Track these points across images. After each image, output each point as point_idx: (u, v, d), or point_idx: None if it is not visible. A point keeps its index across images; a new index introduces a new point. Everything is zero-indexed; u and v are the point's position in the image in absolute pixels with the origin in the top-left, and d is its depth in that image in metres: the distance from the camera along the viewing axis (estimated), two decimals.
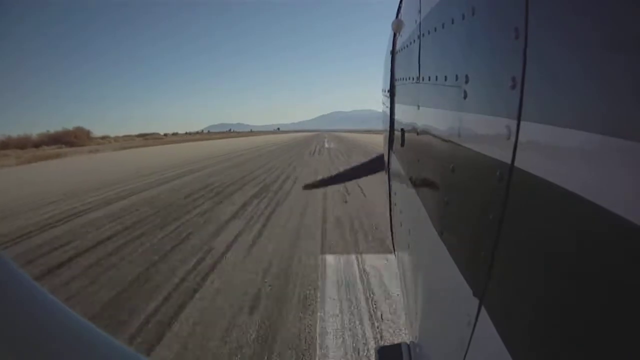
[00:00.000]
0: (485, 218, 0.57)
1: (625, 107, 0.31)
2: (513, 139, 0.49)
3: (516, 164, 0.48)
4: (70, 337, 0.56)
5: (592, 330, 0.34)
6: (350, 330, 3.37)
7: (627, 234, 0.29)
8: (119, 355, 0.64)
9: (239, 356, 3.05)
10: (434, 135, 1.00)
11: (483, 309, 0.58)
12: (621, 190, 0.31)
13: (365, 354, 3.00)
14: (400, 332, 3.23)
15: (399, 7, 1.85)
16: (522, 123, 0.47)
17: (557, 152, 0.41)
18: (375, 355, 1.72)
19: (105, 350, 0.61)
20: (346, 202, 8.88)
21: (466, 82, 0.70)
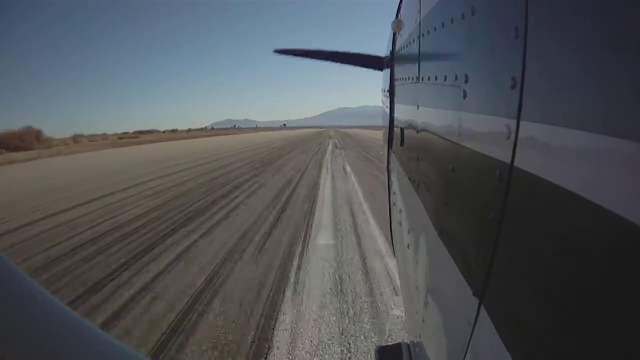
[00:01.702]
0: (485, 218, 0.58)
1: (625, 107, 0.31)
2: (513, 139, 0.49)
3: (516, 164, 0.49)
4: (70, 337, 0.57)
5: (592, 330, 0.35)
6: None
7: (627, 234, 0.29)
8: (119, 355, 0.65)
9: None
10: (434, 135, 1.01)
11: (483, 309, 0.59)
12: (621, 190, 0.31)
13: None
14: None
15: (399, 8, 1.86)
16: (522, 123, 0.48)
17: (557, 152, 0.42)
18: (375, 355, 1.74)
19: (105, 350, 0.62)
20: None
21: (466, 82, 0.71)
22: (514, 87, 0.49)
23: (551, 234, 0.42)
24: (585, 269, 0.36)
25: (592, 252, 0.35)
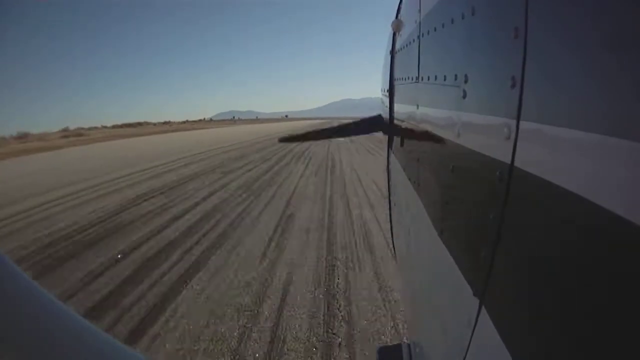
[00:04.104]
0: (485, 218, 0.59)
1: (625, 106, 0.31)
2: (513, 138, 0.50)
3: (516, 163, 0.50)
4: (70, 337, 0.58)
5: (592, 330, 0.35)
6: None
7: (627, 234, 0.30)
8: (119, 355, 0.65)
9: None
10: (434, 135, 1.02)
11: (483, 309, 0.60)
12: (621, 190, 0.32)
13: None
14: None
15: (399, 7, 1.87)
16: (521, 123, 0.48)
17: (557, 152, 0.42)
18: (376, 355, 1.77)
19: (105, 350, 0.62)
20: None
21: (466, 81, 0.72)
22: (513, 86, 0.50)
23: (551, 234, 0.42)
24: (586, 269, 0.36)
25: (592, 252, 0.35)
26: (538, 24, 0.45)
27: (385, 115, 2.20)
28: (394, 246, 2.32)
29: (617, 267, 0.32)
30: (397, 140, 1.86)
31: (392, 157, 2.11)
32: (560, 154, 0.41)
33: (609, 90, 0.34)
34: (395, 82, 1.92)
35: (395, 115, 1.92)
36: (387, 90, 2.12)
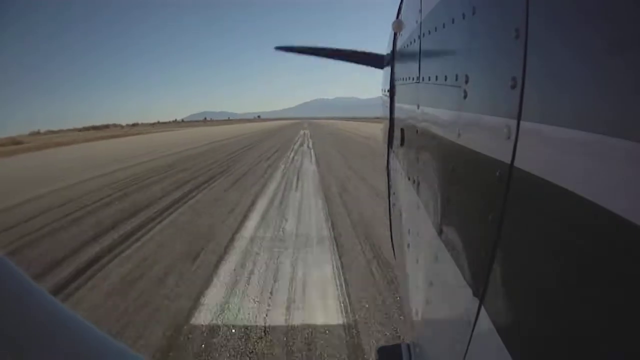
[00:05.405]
0: (485, 218, 0.59)
1: (625, 106, 0.32)
2: (513, 138, 0.50)
3: (516, 163, 0.50)
4: (70, 338, 0.57)
5: (591, 330, 0.35)
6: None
7: (626, 234, 0.30)
8: (118, 355, 0.64)
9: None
10: (434, 135, 1.02)
11: (483, 309, 0.60)
12: (621, 190, 0.32)
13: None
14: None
15: (400, 7, 1.88)
16: (522, 123, 0.48)
17: (557, 152, 0.42)
18: (375, 355, 1.76)
19: (105, 350, 0.61)
20: None
21: (466, 82, 0.72)
22: (514, 87, 0.50)
23: (551, 234, 0.42)
24: (585, 269, 0.36)
25: (592, 252, 0.35)
26: (538, 25, 0.45)
27: (385, 115, 2.21)
28: (393, 246, 2.33)
29: (616, 267, 0.32)
30: (397, 140, 1.86)
31: (392, 156, 2.12)
32: (560, 154, 0.41)
33: (609, 90, 0.34)
34: (396, 82, 1.93)
35: (396, 115, 1.93)
36: (388, 90, 2.13)
